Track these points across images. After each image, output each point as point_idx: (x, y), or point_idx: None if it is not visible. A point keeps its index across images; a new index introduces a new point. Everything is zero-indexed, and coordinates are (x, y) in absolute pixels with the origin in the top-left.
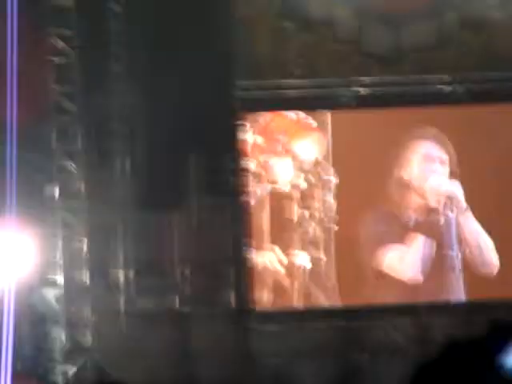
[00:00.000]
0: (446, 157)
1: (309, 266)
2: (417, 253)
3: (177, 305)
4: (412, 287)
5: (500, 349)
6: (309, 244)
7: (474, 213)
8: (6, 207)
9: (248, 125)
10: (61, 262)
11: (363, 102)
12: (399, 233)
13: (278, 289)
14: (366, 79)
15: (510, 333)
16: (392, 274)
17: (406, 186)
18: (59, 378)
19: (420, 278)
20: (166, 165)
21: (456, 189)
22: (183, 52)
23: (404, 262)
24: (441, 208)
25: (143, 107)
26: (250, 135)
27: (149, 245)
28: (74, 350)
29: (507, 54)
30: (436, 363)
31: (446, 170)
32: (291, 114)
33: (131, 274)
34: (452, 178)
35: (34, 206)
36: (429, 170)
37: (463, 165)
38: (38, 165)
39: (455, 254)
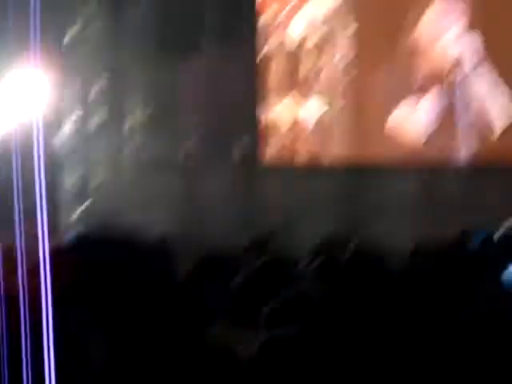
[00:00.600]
0: (463, 9)
1: (316, 120)
2: (426, 111)
3: (182, 155)
4: (417, 147)
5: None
6: (319, 95)
7: (492, 66)
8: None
9: None
10: (79, 99)
11: None
12: (410, 91)
13: (284, 143)
14: None
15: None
16: (398, 132)
17: (420, 41)
18: (65, 219)
19: (425, 138)
20: (180, 10)
21: (472, 43)
22: None
23: (412, 120)
24: (454, 64)
25: None
26: None
27: (160, 91)
28: (81, 193)
29: None
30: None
31: (463, 22)
32: None
33: (140, 120)
34: (469, 29)
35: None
36: (445, 24)
37: (482, 15)
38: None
39: (466, 114)
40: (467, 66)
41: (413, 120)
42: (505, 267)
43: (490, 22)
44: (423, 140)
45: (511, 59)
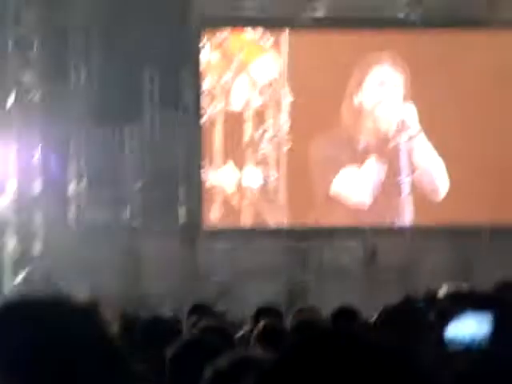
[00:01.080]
0: (400, 80)
1: (260, 183)
2: (366, 176)
3: (127, 219)
4: (360, 210)
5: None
6: (259, 163)
7: (426, 136)
8: None
9: (205, 41)
10: (13, 171)
11: (321, 24)
12: (350, 156)
13: (228, 207)
14: (325, 1)
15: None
16: (341, 196)
17: (358, 110)
18: (7, 284)
19: (368, 201)
20: (121, 78)
21: (409, 112)
22: None
23: (353, 184)
24: (392, 132)
25: (100, 20)
26: (206, 52)
27: (102, 157)
28: (22, 259)
29: None
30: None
31: (400, 93)
32: (249, 33)
33: (83, 185)
34: (405, 101)
35: None
36: (382, 94)
37: (417, 88)
38: None
39: (404, 179)
40: (406, 134)
41: (355, 185)
42: (446, 329)
43: (425, 95)
44: (366, 204)
45: (443, 131)
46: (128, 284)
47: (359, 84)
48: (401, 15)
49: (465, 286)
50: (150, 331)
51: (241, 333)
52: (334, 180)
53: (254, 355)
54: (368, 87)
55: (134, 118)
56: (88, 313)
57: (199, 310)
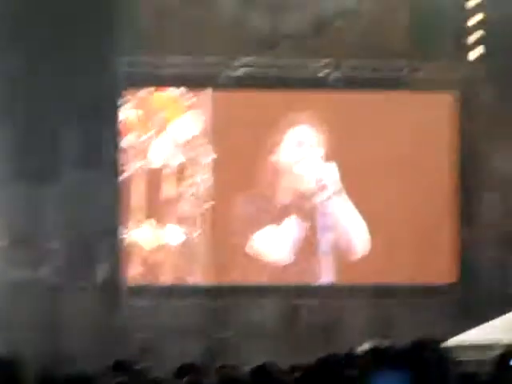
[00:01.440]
0: (320, 140)
1: (180, 240)
2: (285, 235)
3: (48, 277)
4: (280, 269)
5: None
6: (180, 221)
7: (346, 195)
8: None
9: (127, 100)
10: None
11: (242, 83)
12: (271, 214)
13: (148, 264)
14: (246, 60)
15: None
16: (262, 255)
17: (280, 169)
18: None
19: (289, 259)
20: (40, 137)
21: (328, 172)
22: (66, 24)
23: (273, 243)
24: (312, 191)
25: (20, 78)
26: (128, 110)
27: (20, 216)
28: None
29: (380, 43)
30: None
31: (318, 153)
32: (171, 91)
33: (3, 245)
34: (325, 160)
35: None
36: (302, 153)
37: (336, 148)
38: None
39: (324, 237)
40: (325, 193)
41: (275, 243)
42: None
43: (346, 155)
44: (286, 262)
45: (364, 191)
46: (48, 342)
47: (280, 142)
48: (321, 75)
49: (384, 343)
50: None
51: None
52: (254, 238)
53: None
54: (286, 147)
55: (53, 175)
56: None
57: (121, 366)
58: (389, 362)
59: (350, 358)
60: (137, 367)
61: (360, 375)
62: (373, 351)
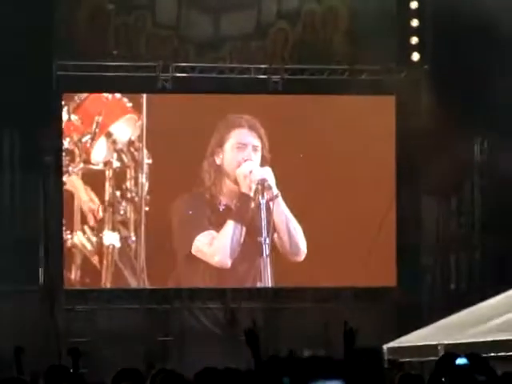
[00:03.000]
0: (258, 144)
1: (118, 245)
2: (226, 237)
3: None
4: (221, 272)
5: None
6: (119, 224)
7: (284, 199)
8: None
9: (64, 103)
10: None
11: (180, 87)
12: (210, 217)
13: (88, 268)
14: (184, 64)
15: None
16: (202, 258)
17: (218, 172)
18: None
19: (228, 262)
20: None
21: (267, 175)
22: (2, 27)
23: (213, 246)
24: (251, 194)
25: None
26: (65, 114)
27: None
28: None
29: (322, 47)
30: None
31: (258, 156)
32: (107, 95)
33: None
34: (264, 164)
35: None
36: (241, 156)
37: (275, 151)
38: None
39: (264, 240)
40: (265, 196)
41: (215, 246)
42: None
43: (284, 159)
44: (227, 265)
45: (301, 194)
46: None
47: (219, 146)
48: (262, 79)
49: (321, 352)
50: None
51: None
52: (195, 241)
53: None
54: (227, 149)
55: None
56: None
57: (57, 371)
58: (325, 371)
59: (289, 362)
60: (73, 372)
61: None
62: (310, 359)
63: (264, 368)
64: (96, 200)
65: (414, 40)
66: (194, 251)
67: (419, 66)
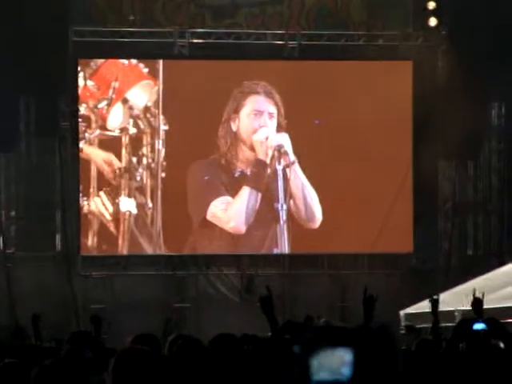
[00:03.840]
0: (274, 111)
1: (135, 212)
2: (241, 203)
3: (1, 247)
4: (237, 238)
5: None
6: (136, 190)
7: (300, 165)
8: None
9: (80, 69)
10: None
11: (196, 52)
12: (225, 183)
13: (104, 234)
14: (200, 30)
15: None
16: (217, 223)
17: (234, 138)
18: None
19: (243, 228)
20: None
21: (284, 141)
22: None
23: (228, 212)
24: (268, 160)
25: None
26: (81, 80)
27: None
28: None
29: (339, 12)
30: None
31: (274, 123)
32: (123, 61)
33: None
34: (280, 130)
35: None
36: (257, 123)
37: (291, 118)
38: None
39: (281, 206)
40: (282, 162)
41: (231, 212)
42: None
43: (296, 128)
44: (243, 231)
45: (318, 161)
46: (2, 312)
47: (235, 112)
48: (278, 45)
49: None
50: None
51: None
52: (210, 206)
53: None
54: (243, 116)
55: (9, 146)
56: None
57: (79, 337)
58: (335, 339)
59: (305, 328)
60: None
61: (304, 352)
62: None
63: (279, 333)
64: (113, 166)
65: (431, 5)
66: (209, 217)
67: (436, 31)
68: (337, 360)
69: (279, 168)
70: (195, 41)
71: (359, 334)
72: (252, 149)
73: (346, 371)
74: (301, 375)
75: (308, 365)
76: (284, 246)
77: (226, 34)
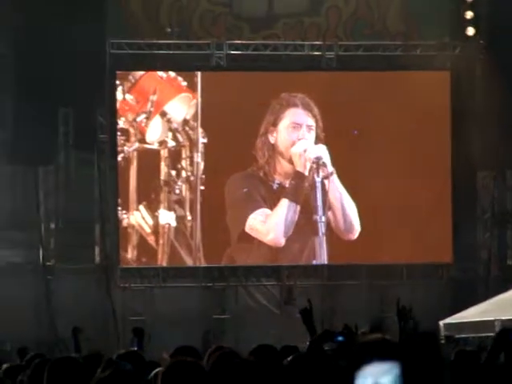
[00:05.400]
0: (312, 123)
1: (174, 224)
2: (280, 216)
3: (41, 259)
4: (275, 250)
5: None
6: (175, 203)
7: (338, 176)
8: None
9: (119, 83)
10: None
11: (233, 64)
12: (264, 195)
13: (144, 247)
14: (237, 41)
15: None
16: (255, 236)
17: (272, 150)
18: None
19: (282, 241)
20: (34, 118)
21: (322, 153)
22: (57, 7)
23: (267, 224)
24: (306, 173)
25: (11, 58)
26: (120, 93)
27: (15, 198)
28: None
29: (376, 23)
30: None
31: (313, 135)
32: (162, 74)
33: None
34: (318, 142)
35: None
36: (296, 136)
37: (329, 129)
38: None
39: (320, 218)
40: (320, 174)
41: (270, 223)
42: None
43: (334, 140)
44: (281, 243)
45: (356, 173)
46: (42, 325)
47: (273, 125)
48: (316, 56)
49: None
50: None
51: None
52: (249, 219)
53: None
54: (282, 129)
55: (48, 158)
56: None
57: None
58: (381, 352)
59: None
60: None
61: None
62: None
63: (317, 342)
64: (152, 179)
65: (469, 14)
66: (247, 229)
67: (474, 40)
68: (383, 373)
69: (318, 180)
70: (233, 52)
71: (406, 347)
72: (290, 161)
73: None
74: None
75: (354, 377)
76: (323, 258)
77: (264, 45)
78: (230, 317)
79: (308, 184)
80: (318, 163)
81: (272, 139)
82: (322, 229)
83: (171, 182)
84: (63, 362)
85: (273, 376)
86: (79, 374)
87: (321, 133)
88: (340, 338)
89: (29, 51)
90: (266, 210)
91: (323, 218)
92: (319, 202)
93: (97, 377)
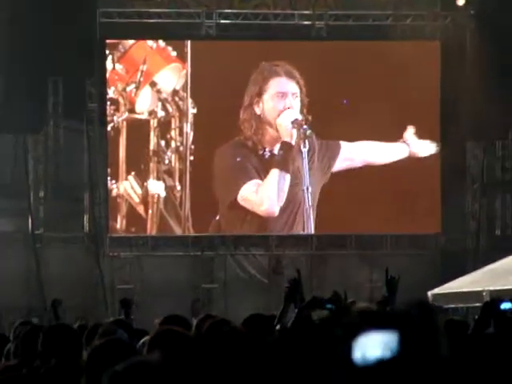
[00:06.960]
0: (297, 90)
1: (163, 194)
2: (273, 186)
3: (30, 228)
4: (266, 220)
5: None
6: (164, 173)
7: (326, 144)
8: None
9: (109, 53)
10: None
11: (223, 33)
12: (256, 165)
13: (133, 216)
14: (228, 10)
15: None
16: (248, 206)
17: (260, 121)
18: None
19: (276, 211)
20: (24, 87)
21: (307, 123)
22: None
23: (259, 194)
24: (293, 142)
25: (3, 28)
26: (110, 63)
27: (4, 167)
28: None
29: None
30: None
31: (298, 102)
32: (152, 43)
33: None
34: (304, 109)
35: None
36: (282, 104)
37: (317, 98)
38: None
39: (306, 189)
40: (307, 143)
41: (263, 193)
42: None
43: (322, 108)
44: (272, 213)
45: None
46: (31, 293)
47: (258, 95)
48: (306, 25)
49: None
50: (57, 339)
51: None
52: (241, 189)
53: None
54: (267, 98)
55: (37, 127)
56: None
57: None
58: (379, 322)
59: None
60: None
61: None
62: (362, 312)
63: (305, 309)
64: (141, 149)
65: None
66: (239, 199)
67: (465, 10)
68: (381, 343)
69: (304, 151)
70: (222, 21)
71: (403, 317)
72: (277, 130)
73: (389, 354)
74: (344, 357)
75: (351, 347)
76: (310, 228)
77: (254, 14)
78: (219, 286)
79: (296, 153)
80: (304, 134)
81: (258, 110)
82: (309, 200)
83: (160, 152)
84: (58, 328)
85: (267, 345)
86: (73, 340)
87: (304, 99)
88: (329, 306)
89: (18, 20)
90: (257, 181)
91: (310, 189)
92: (306, 174)
93: (94, 344)
